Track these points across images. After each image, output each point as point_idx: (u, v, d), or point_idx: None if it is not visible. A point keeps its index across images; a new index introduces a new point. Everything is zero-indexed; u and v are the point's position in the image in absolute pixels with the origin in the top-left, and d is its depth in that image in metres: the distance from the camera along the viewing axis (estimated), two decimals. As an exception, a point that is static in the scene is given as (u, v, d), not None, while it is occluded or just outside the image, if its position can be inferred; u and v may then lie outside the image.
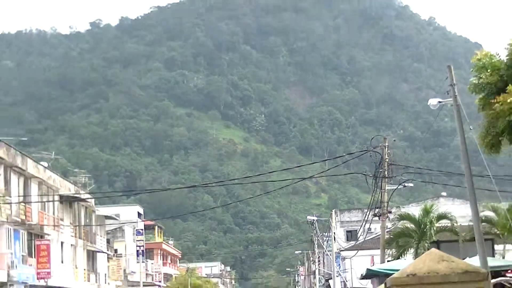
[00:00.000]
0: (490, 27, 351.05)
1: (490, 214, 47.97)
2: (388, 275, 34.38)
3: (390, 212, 68.12)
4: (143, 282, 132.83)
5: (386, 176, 62.03)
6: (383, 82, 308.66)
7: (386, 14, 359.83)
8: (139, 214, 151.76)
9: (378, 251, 69.94)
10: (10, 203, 72.71)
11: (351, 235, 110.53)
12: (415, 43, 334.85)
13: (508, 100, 31.24)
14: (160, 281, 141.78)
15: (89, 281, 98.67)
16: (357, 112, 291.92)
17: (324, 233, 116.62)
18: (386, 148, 63.69)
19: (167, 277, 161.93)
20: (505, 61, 33.39)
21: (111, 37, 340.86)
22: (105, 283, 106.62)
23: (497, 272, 36.17)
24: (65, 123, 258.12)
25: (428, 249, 22.74)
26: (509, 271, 37.75)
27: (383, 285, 14.87)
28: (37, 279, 75.66)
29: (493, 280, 31.15)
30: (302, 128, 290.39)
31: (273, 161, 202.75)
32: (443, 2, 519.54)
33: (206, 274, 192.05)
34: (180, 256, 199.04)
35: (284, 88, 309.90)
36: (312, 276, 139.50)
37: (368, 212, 73.87)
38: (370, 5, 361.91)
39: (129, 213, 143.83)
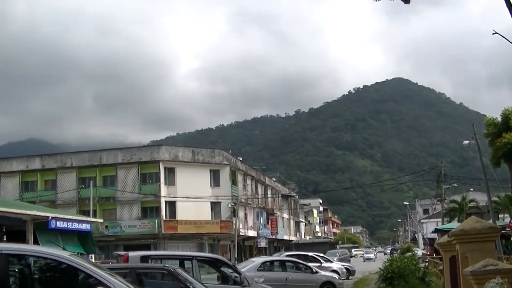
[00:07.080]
0: (490, 104, 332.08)
1: (496, 199, 45.62)
2: (445, 231, 33.15)
3: (445, 199, 65.82)
4: (323, 237, 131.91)
5: (443, 180, 60.08)
6: (438, 135, 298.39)
7: (436, 102, 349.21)
8: (320, 203, 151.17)
9: (439, 219, 67.62)
10: (258, 198, 73.55)
11: (425, 211, 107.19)
12: (453, 116, 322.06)
13: (503, 141, 29.89)
14: (331, 237, 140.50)
15: (295, 236, 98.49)
16: (425, 151, 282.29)
17: (411, 211, 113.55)
18: (442, 166, 61.79)
19: (334, 234, 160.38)
20: (500, 120, 31.97)
21: (303, 118, 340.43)
22: (304, 237, 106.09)
23: (502, 228, 34.60)
24: (283, 159, 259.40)
25: (465, 218, 21.69)
26: (507, 228, 35.96)
27: (446, 235, 14.05)
28: (271, 235, 76.27)
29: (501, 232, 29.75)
30: (399, 159, 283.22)
31: (385, 176, 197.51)
32: (468, 93, 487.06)
33: (353, 232, 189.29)
34: (341, 223, 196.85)
35: (389, 139, 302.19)
36: (406, 232, 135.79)
37: (435, 200, 71.64)
38: (429, 97, 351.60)
39: (315, 202, 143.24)
